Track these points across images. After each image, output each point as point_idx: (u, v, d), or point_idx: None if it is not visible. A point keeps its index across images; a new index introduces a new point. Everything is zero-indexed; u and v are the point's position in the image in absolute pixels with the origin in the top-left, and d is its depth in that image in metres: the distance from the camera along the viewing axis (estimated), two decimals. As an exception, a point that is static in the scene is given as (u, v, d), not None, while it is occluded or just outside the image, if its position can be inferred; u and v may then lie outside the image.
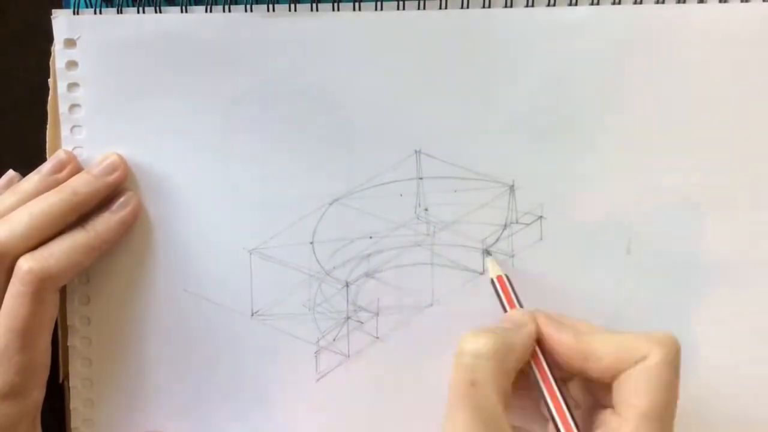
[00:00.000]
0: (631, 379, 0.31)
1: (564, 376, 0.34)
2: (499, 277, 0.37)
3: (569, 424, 0.32)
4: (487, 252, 0.39)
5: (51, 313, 0.36)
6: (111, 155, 0.39)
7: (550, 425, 0.32)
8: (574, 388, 0.35)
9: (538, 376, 0.33)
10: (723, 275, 0.39)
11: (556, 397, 0.32)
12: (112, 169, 0.39)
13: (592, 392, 0.34)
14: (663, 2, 0.38)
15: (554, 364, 0.33)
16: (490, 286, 0.38)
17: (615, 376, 0.32)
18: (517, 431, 0.32)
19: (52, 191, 0.37)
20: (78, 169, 0.39)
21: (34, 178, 0.38)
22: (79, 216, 0.38)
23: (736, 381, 0.39)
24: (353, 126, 0.39)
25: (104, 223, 0.38)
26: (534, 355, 0.33)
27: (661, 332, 0.32)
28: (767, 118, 0.38)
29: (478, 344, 0.32)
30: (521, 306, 0.36)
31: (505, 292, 0.37)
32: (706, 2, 0.38)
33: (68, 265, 0.36)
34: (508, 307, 0.36)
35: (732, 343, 0.39)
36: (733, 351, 0.39)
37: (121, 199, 0.39)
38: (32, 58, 0.39)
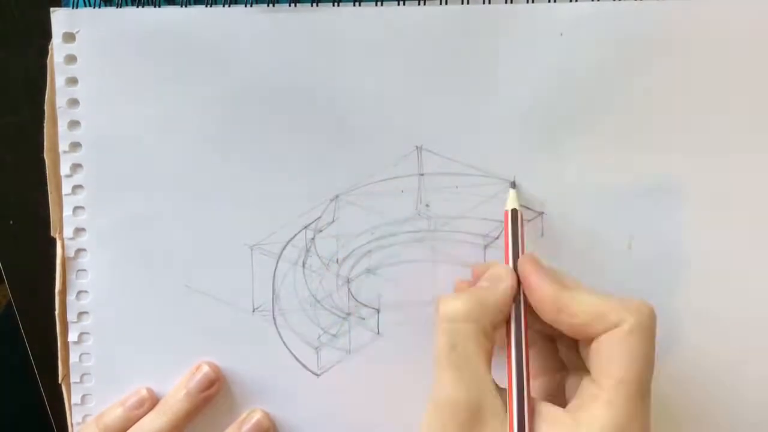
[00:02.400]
0: (605, 346, 0.31)
1: (553, 333, 0.34)
2: (508, 212, 0.37)
3: (513, 395, 0.31)
4: (513, 184, 0.39)
5: None
6: (202, 365, 0.40)
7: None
8: (563, 348, 0.35)
9: (507, 338, 0.33)
10: (723, 272, 0.39)
11: (511, 364, 0.32)
12: (208, 384, 0.40)
13: (578, 354, 0.34)
14: (664, -2, 0.38)
15: (534, 315, 0.33)
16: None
17: (588, 339, 0.32)
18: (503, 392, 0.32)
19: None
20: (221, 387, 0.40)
21: (180, 395, 0.39)
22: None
23: (737, 377, 0.40)
24: (355, 122, 0.39)
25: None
26: (509, 315, 0.34)
27: (638, 300, 0.32)
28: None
29: (452, 308, 0.32)
30: (518, 247, 0.36)
31: (506, 229, 0.36)
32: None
33: None
34: (504, 249, 0.36)
35: (733, 339, 0.39)
36: (734, 347, 0.39)
37: (252, 423, 0.40)
38: (31, 58, 0.39)
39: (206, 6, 0.38)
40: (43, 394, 0.42)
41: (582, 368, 0.33)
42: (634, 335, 0.31)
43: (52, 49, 0.38)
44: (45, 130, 0.39)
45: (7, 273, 0.41)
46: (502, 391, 0.32)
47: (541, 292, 0.33)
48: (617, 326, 0.31)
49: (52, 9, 0.38)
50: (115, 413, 0.39)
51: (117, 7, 0.38)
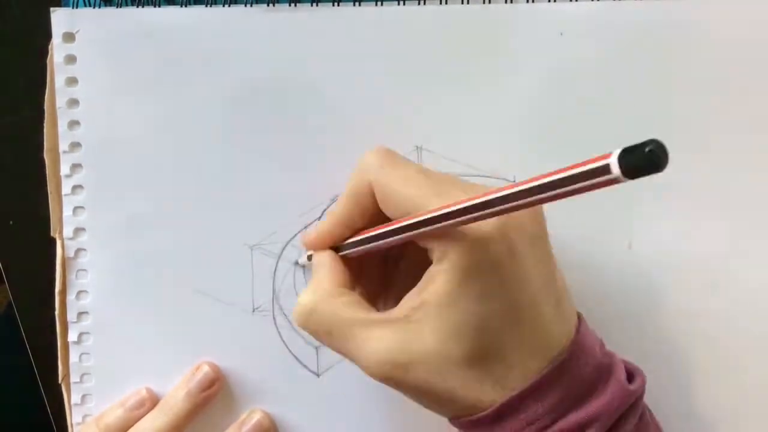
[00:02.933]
0: (384, 205, 0.31)
1: None
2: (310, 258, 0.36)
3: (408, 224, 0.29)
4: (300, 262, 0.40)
5: None
6: (204, 367, 0.40)
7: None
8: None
9: (360, 248, 0.32)
10: (724, 271, 0.39)
11: (383, 230, 0.31)
12: (209, 383, 0.40)
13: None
14: (665, -3, 0.38)
15: None
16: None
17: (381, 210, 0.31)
18: (399, 306, 0.31)
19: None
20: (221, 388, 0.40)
21: (181, 395, 0.39)
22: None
23: (737, 378, 0.39)
24: (355, 122, 0.39)
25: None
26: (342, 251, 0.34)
27: (367, 153, 0.32)
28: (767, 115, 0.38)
29: (299, 307, 0.32)
30: None
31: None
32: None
33: None
34: None
35: (733, 339, 0.39)
36: (733, 347, 0.39)
37: (252, 424, 0.40)
38: (31, 57, 0.39)
39: (206, 6, 0.38)
40: (43, 394, 0.42)
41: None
42: (385, 174, 0.31)
43: (52, 49, 0.38)
44: (45, 130, 0.39)
45: (7, 273, 0.41)
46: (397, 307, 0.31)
47: (323, 231, 0.33)
48: (372, 187, 0.31)
49: (52, 9, 0.38)
50: (115, 414, 0.39)
51: (117, 7, 0.38)
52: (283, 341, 0.40)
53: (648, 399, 0.32)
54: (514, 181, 0.39)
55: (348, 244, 0.33)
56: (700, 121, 0.38)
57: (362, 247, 0.32)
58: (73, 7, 0.38)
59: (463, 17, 0.38)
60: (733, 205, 0.39)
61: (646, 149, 0.20)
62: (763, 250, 0.39)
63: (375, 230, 0.31)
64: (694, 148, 0.38)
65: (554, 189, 0.23)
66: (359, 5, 0.38)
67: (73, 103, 0.39)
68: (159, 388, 0.41)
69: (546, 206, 0.38)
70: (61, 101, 0.39)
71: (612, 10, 0.38)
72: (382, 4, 0.38)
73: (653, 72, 0.38)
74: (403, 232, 0.29)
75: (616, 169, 0.20)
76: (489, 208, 0.25)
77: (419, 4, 0.38)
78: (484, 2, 0.38)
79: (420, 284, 0.30)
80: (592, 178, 0.21)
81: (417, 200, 0.29)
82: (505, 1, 0.38)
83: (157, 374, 0.41)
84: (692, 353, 0.39)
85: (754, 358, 0.39)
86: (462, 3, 0.38)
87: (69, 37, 0.38)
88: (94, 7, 0.38)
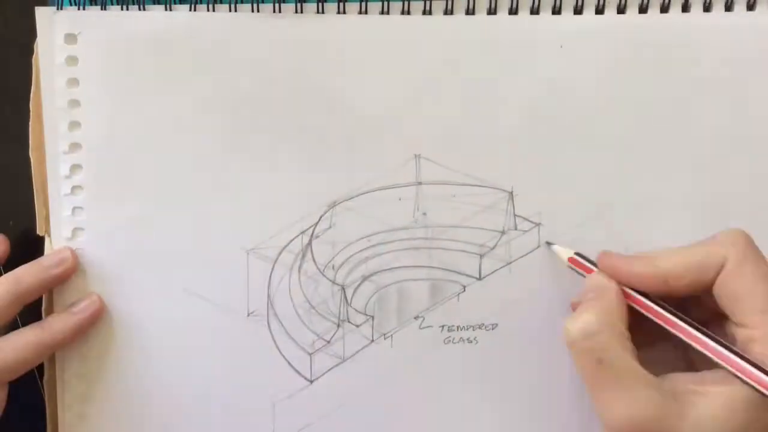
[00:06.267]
0: (726, 288, 0.31)
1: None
2: (571, 259, 0.37)
3: (700, 338, 0.31)
4: (548, 243, 0.39)
5: None
6: (63, 250, 0.39)
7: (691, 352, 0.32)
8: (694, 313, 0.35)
9: (649, 313, 0.33)
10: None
11: (676, 321, 0.32)
12: (59, 261, 0.39)
13: (709, 307, 0.33)
14: (667, 11, 0.38)
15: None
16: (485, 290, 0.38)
17: (708, 288, 0.32)
18: (668, 380, 0.31)
19: None
20: (74, 270, 0.40)
21: (31, 267, 0.39)
22: (23, 305, 0.38)
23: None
24: (354, 129, 0.39)
25: (61, 323, 0.39)
26: (632, 299, 0.33)
27: (727, 231, 0.32)
28: (765, 126, 0.38)
29: (582, 323, 0.32)
30: (592, 262, 0.36)
31: (584, 267, 0.36)
32: (710, 11, 0.38)
33: (16, 363, 0.37)
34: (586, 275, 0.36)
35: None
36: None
37: (84, 303, 0.39)
38: (30, 57, 0.39)
39: (208, 10, 0.38)
40: (43, 394, 0.42)
41: (719, 318, 0.33)
42: (746, 264, 0.30)
43: (37, 47, 0.38)
44: (30, 129, 0.39)
45: (6, 273, 0.42)
46: (667, 380, 0.31)
47: (639, 275, 0.33)
48: (724, 266, 0.31)
49: (37, 8, 0.38)
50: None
51: (101, 5, 0.38)
52: (277, 346, 0.40)
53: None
54: (511, 192, 0.39)
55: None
56: (697, 133, 0.38)
57: (650, 311, 0.33)
58: (59, 8, 0.38)
59: (466, 28, 0.38)
60: (731, 215, 0.38)
61: None
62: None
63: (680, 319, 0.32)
64: (691, 160, 0.38)
65: None
66: (365, 13, 0.38)
67: (74, 104, 0.39)
68: (154, 390, 0.41)
69: (542, 218, 0.39)
70: (62, 102, 0.39)
71: (612, 23, 0.38)
72: (388, 13, 0.38)
73: (652, 86, 0.38)
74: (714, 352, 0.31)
75: None
76: None
77: (424, 12, 0.38)
78: (488, 13, 0.38)
79: (705, 374, 0.31)
80: None
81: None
82: (509, 12, 0.38)
83: (150, 376, 0.41)
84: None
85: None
86: (466, 13, 0.38)
87: (71, 38, 0.38)
88: (79, 7, 0.38)
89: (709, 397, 0.29)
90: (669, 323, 0.32)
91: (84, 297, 0.40)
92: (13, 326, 0.39)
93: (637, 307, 0.34)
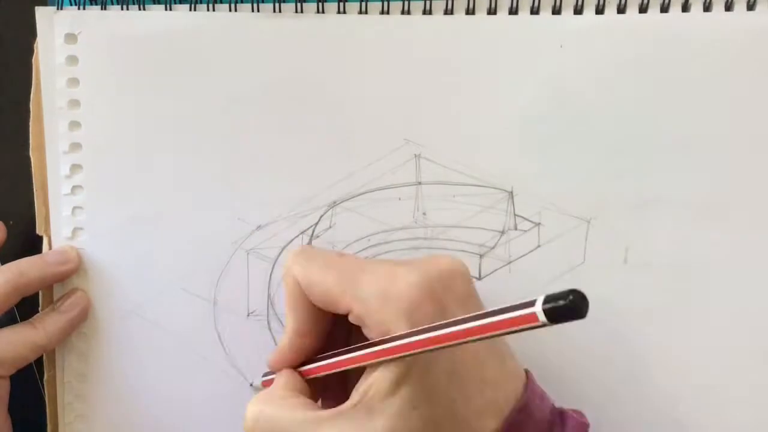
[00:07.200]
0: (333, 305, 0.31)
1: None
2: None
3: (353, 357, 0.30)
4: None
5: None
6: (69, 249, 0.40)
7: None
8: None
9: (323, 372, 0.33)
10: (720, 284, 0.39)
11: (333, 362, 0.32)
12: (64, 260, 0.39)
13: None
14: (667, 11, 0.38)
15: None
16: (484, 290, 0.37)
17: (339, 310, 0.31)
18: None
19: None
20: (76, 270, 0.40)
21: (36, 259, 0.39)
22: (22, 297, 0.38)
23: (737, 388, 0.39)
24: (354, 129, 0.39)
25: (53, 323, 0.39)
26: (307, 372, 0.33)
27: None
28: (765, 127, 0.38)
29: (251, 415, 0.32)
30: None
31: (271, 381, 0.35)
32: (711, 11, 0.38)
33: (13, 359, 0.38)
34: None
35: (730, 350, 0.39)
36: (731, 358, 0.39)
37: (71, 299, 0.40)
38: (30, 57, 0.39)
39: (208, 10, 0.38)
40: (43, 394, 0.42)
41: None
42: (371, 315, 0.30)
43: (37, 47, 0.39)
44: (30, 129, 0.39)
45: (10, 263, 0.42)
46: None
47: (284, 360, 0.33)
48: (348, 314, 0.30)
49: (37, 8, 0.38)
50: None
51: (101, 5, 0.38)
52: (277, 346, 0.40)
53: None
54: (511, 191, 0.39)
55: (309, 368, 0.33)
56: (697, 133, 0.38)
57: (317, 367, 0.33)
58: (59, 8, 0.38)
59: (466, 28, 0.38)
60: (730, 217, 0.38)
61: (567, 299, 0.22)
62: (761, 261, 0.38)
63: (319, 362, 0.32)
64: (691, 159, 0.38)
65: (484, 333, 0.25)
66: (364, 14, 0.38)
67: (75, 104, 0.39)
68: (152, 392, 0.41)
69: (542, 218, 0.39)
70: (62, 102, 0.39)
71: (613, 23, 0.38)
72: (388, 13, 0.38)
73: (653, 85, 0.38)
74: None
75: (542, 317, 0.23)
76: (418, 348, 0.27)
77: (424, 12, 0.38)
78: (488, 12, 0.38)
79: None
80: (519, 324, 0.24)
81: (334, 290, 0.30)
82: (509, 12, 0.38)
83: (150, 378, 0.41)
84: (689, 366, 0.39)
85: (753, 368, 0.39)
86: (466, 13, 0.38)
87: (71, 38, 0.38)
88: (79, 7, 0.38)
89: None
90: (332, 367, 0.32)
91: (68, 294, 0.40)
92: (10, 321, 0.39)
93: (320, 374, 0.33)
